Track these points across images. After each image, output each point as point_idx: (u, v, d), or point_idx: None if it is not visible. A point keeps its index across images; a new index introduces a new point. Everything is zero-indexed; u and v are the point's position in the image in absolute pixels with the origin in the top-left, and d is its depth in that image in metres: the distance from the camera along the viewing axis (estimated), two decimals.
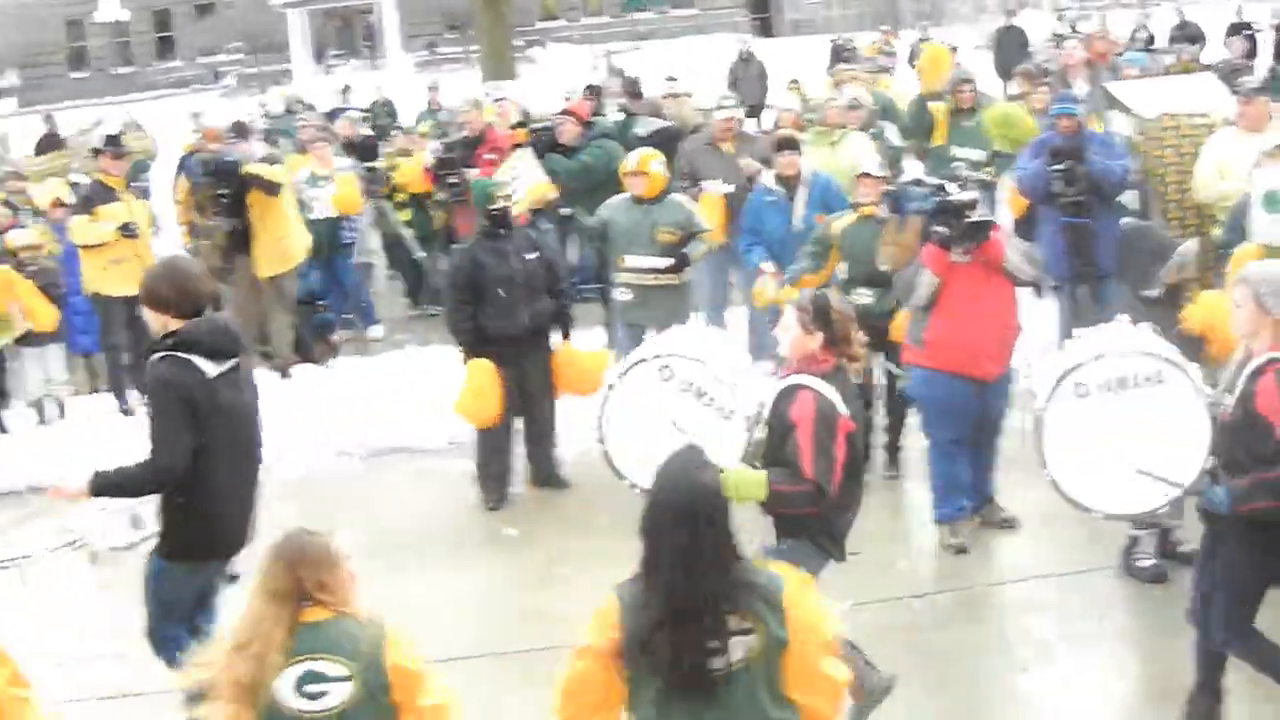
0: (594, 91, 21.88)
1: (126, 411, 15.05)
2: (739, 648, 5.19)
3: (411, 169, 18.02)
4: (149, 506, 7.85)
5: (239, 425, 7.83)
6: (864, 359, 7.86)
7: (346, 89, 29.77)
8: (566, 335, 12.06)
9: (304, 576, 5.31)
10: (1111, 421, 7.58)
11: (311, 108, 25.32)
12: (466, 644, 9.05)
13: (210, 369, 7.64)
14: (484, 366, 11.73)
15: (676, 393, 7.98)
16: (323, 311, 17.19)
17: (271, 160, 15.55)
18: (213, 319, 7.90)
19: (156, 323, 7.80)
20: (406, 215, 17.96)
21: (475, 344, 11.83)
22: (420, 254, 16.58)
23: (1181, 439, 7.42)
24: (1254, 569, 7.32)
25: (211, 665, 5.34)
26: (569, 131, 15.66)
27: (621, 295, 12.69)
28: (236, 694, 5.23)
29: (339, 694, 5.29)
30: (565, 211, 13.15)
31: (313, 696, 5.29)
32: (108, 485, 7.66)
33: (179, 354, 7.61)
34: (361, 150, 20.26)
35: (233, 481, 7.82)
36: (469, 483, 12.16)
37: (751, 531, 7.45)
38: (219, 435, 7.66)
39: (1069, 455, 7.71)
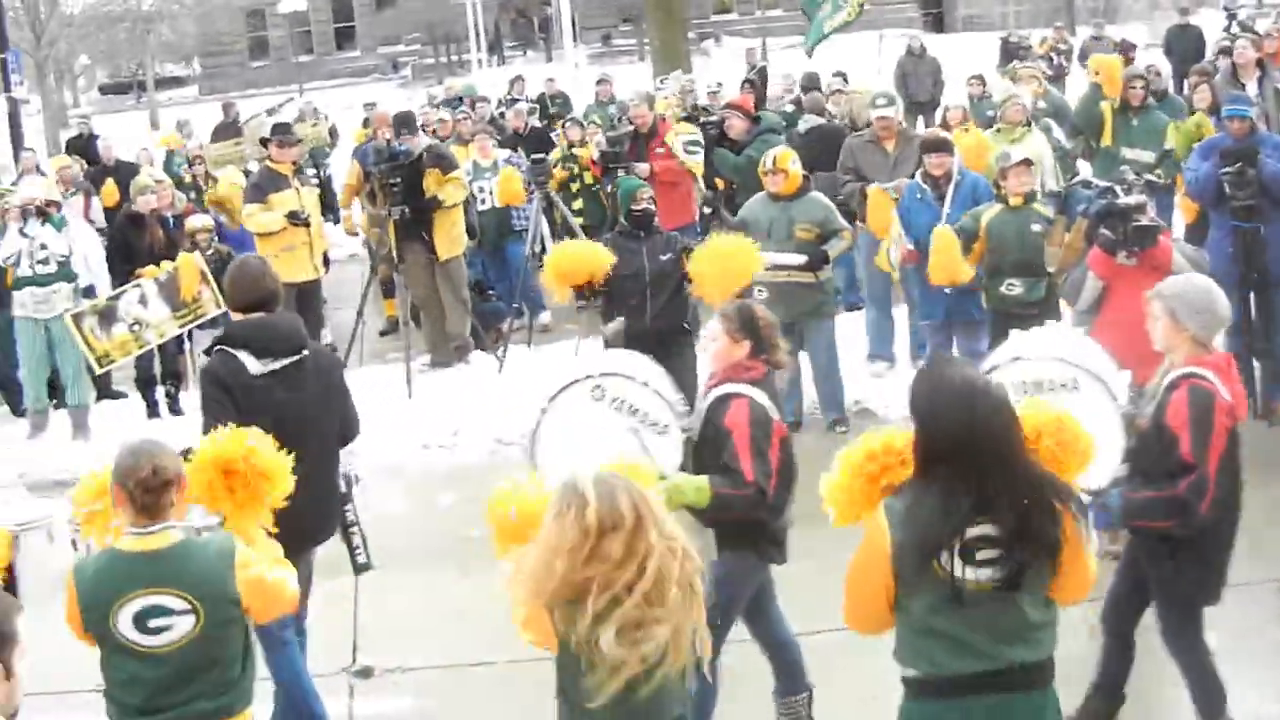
0: (752, 86, 21.84)
1: None
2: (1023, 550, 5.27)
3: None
4: None
5: (290, 422, 7.90)
6: (785, 364, 7.91)
7: (517, 80, 29.92)
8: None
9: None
10: None
11: (485, 99, 25.47)
12: None
13: (255, 365, 7.96)
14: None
15: (609, 411, 7.93)
16: (492, 299, 17.36)
17: (439, 153, 15.71)
18: (267, 317, 8.17)
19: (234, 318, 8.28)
20: (579, 205, 18.06)
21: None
22: None
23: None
24: (1171, 585, 7.36)
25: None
26: (736, 126, 15.66)
27: (759, 294, 12.69)
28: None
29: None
30: (708, 209, 13.09)
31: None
32: None
33: (226, 349, 8.00)
34: (530, 141, 20.40)
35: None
36: None
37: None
38: (267, 430, 7.84)
39: None
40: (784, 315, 12.33)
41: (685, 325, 11.89)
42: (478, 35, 59.73)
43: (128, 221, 15.72)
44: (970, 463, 5.23)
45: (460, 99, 26.51)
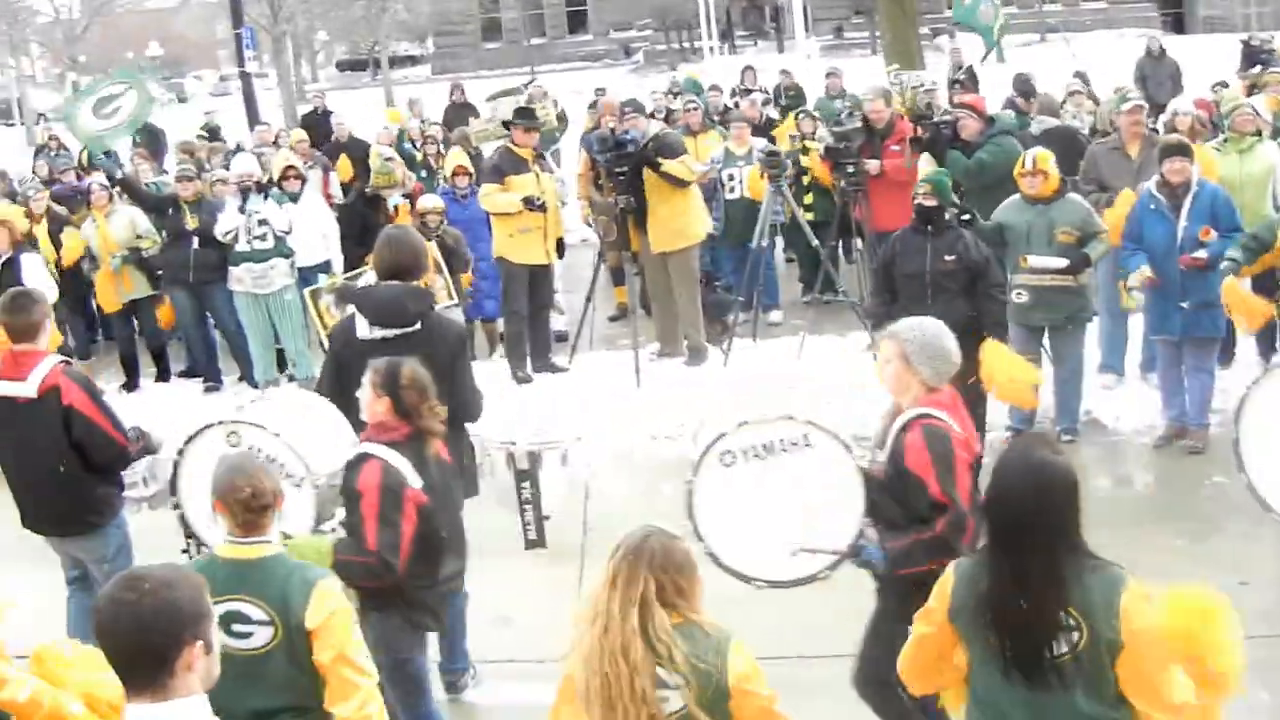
0: (963, 87, 21.51)
1: (522, 379, 15.51)
2: (1064, 641, 5.23)
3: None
4: None
5: None
6: (442, 432, 7.63)
7: (748, 70, 29.82)
8: (983, 339, 11.70)
9: (663, 581, 5.29)
10: (764, 488, 7.43)
11: (716, 88, 25.44)
12: (827, 643, 9.04)
13: (364, 331, 8.48)
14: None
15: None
16: (718, 291, 17.28)
17: (663, 141, 15.66)
18: (373, 287, 8.69)
19: None
20: (809, 199, 17.96)
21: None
22: (815, 241, 16.53)
23: (837, 500, 7.28)
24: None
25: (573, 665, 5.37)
26: (970, 126, 15.35)
27: (1018, 297, 12.49)
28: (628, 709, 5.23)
29: (676, 701, 5.28)
30: (965, 217, 12.80)
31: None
32: None
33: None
34: (765, 133, 20.32)
35: None
36: None
37: None
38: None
39: (724, 525, 7.55)
40: (1042, 319, 12.33)
41: (969, 327, 11.61)
42: (709, 23, 59.77)
43: (364, 202, 15.95)
44: (1029, 544, 5.25)
45: (675, 91, 26.44)
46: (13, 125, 72.51)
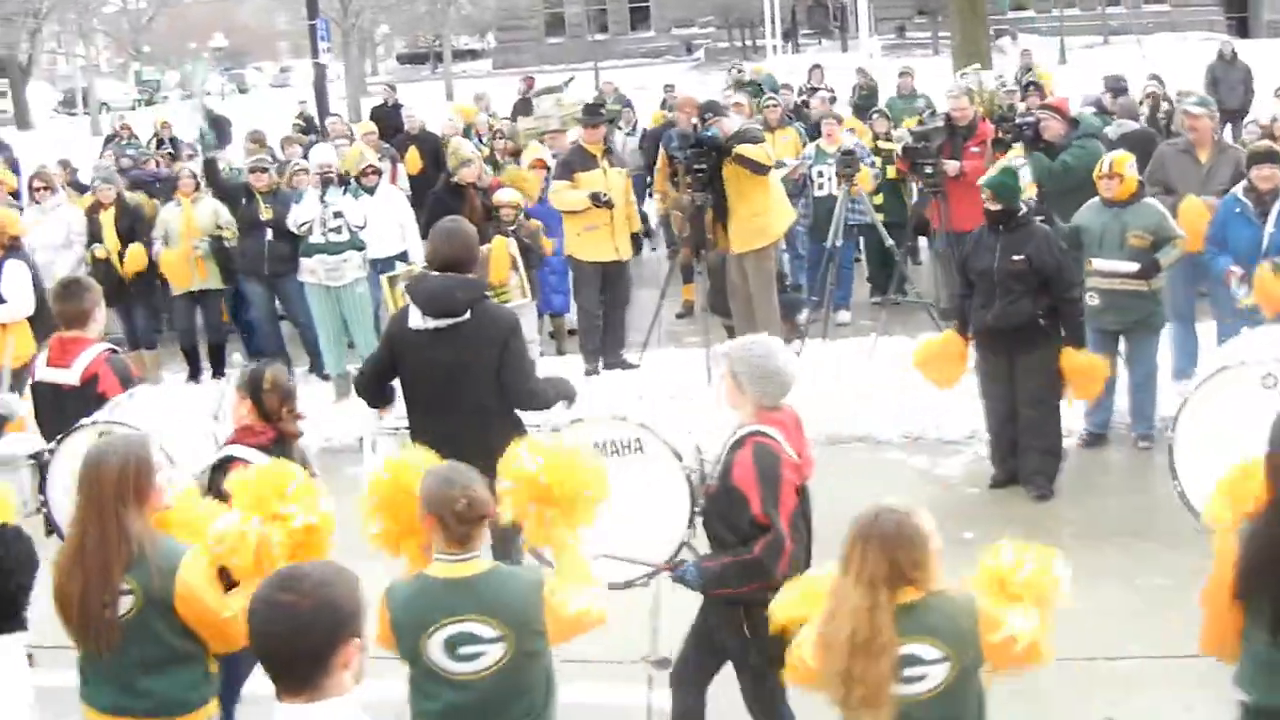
0: (1038, 90, 21.39)
1: (591, 372, 15.51)
2: None
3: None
4: None
5: (437, 379, 8.52)
6: (300, 434, 7.62)
7: (815, 68, 29.74)
8: (1066, 342, 11.66)
9: (900, 559, 5.21)
10: None
11: (787, 86, 25.35)
12: None
13: (417, 320, 8.59)
14: (952, 337, 12.11)
15: None
16: (788, 291, 17.15)
17: (743, 135, 15.56)
18: (425, 278, 8.81)
19: None
20: (879, 200, 17.86)
21: (961, 327, 12.06)
22: (890, 242, 16.42)
23: (664, 507, 7.31)
24: (742, 653, 7.07)
25: (820, 661, 5.32)
26: (1054, 128, 15.19)
27: (1091, 300, 12.40)
28: (865, 697, 5.19)
29: (936, 676, 5.23)
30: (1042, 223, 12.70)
31: (909, 680, 5.22)
32: None
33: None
34: None
35: (428, 428, 8.44)
36: (925, 481, 12.16)
37: None
38: (413, 382, 8.67)
39: None
40: (1113, 322, 12.25)
41: (1040, 323, 11.59)
42: (773, 21, 59.73)
43: (448, 192, 15.91)
44: None
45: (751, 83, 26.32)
46: (75, 114, 73.09)
